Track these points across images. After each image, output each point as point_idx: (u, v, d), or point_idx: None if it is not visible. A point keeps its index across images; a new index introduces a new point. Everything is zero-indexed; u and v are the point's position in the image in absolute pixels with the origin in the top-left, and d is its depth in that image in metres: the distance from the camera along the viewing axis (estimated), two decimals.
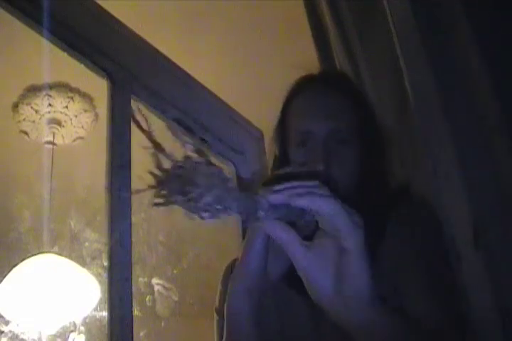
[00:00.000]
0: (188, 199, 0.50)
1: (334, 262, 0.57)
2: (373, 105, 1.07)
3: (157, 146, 0.52)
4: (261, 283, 0.74)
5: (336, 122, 0.94)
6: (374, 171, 0.96)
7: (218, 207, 0.51)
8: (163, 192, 0.50)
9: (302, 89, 1.01)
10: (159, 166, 0.51)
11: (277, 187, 0.56)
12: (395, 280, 0.83)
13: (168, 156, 0.52)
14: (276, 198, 0.55)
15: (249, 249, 0.73)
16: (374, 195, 0.93)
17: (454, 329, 0.79)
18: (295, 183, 0.57)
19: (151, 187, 0.51)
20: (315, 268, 0.58)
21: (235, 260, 0.93)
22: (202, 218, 0.51)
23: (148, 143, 0.53)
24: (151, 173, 0.51)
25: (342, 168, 0.92)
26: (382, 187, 0.96)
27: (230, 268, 0.99)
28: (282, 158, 0.99)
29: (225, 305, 0.78)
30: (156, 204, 0.51)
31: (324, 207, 0.56)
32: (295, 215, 0.58)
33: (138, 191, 0.51)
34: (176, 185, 0.50)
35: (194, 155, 0.52)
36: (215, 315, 0.98)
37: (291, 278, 0.66)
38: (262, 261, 0.72)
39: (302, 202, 0.56)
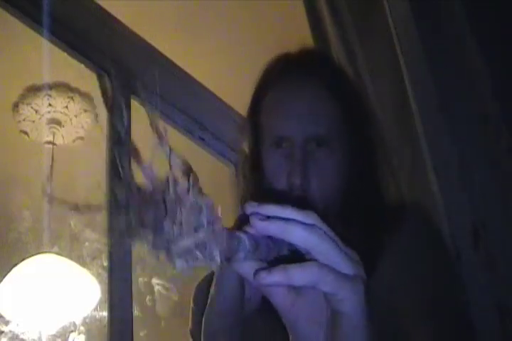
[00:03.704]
0: (161, 238, 0.37)
1: (326, 318, 0.46)
2: (361, 92, 0.97)
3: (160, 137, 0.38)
4: (238, 321, 0.65)
5: (315, 125, 0.81)
6: (363, 181, 0.83)
7: (198, 254, 0.37)
8: (130, 220, 0.37)
9: (277, 79, 0.88)
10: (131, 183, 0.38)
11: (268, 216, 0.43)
12: (394, 301, 0.73)
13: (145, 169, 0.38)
14: (264, 228, 0.43)
15: (221, 287, 0.63)
16: (364, 208, 0.81)
17: None
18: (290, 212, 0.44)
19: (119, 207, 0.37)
20: (304, 323, 0.48)
21: (208, 276, 0.83)
22: (173, 266, 0.37)
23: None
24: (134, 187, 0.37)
25: (322, 177, 0.79)
26: (374, 199, 0.83)
27: (201, 288, 0.85)
28: (255, 158, 0.85)
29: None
30: (118, 235, 0.37)
31: (323, 250, 0.43)
32: (277, 254, 0.46)
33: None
34: (149, 216, 0.37)
35: (180, 177, 0.38)
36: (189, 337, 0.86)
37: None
38: (237, 299, 0.62)
39: (297, 239, 0.43)
